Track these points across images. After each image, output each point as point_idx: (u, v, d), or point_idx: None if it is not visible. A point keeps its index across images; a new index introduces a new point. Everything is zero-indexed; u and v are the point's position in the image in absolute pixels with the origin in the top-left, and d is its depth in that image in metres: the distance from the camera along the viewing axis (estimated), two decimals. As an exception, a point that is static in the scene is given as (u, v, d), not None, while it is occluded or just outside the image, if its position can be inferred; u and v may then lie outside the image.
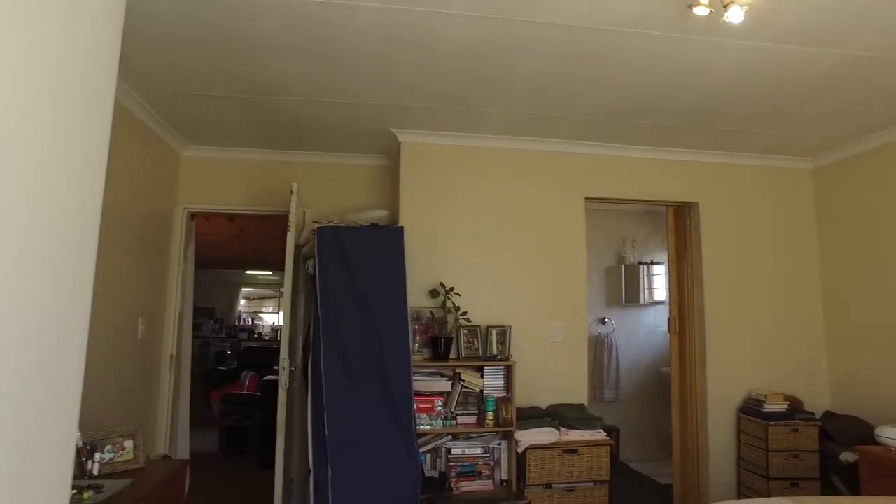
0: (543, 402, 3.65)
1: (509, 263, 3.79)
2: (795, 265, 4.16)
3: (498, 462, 3.41)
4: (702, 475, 3.93)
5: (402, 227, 3.39)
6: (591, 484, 3.30)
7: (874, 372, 3.68)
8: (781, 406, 3.67)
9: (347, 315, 3.12)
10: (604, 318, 5.66)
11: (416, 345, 3.48)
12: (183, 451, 4.05)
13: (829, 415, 3.82)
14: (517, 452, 3.29)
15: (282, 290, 3.52)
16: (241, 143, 4.06)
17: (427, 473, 3.34)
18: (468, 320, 3.53)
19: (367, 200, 4.24)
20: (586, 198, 3.96)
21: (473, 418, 3.39)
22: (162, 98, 3.24)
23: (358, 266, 3.19)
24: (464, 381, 3.41)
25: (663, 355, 5.35)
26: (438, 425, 3.31)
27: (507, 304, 3.73)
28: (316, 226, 3.32)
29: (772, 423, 3.60)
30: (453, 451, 3.37)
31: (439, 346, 3.39)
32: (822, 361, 4.09)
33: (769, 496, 3.45)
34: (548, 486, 3.25)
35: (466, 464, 3.35)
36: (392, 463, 2.97)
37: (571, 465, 3.29)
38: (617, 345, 5.60)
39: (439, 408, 3.34)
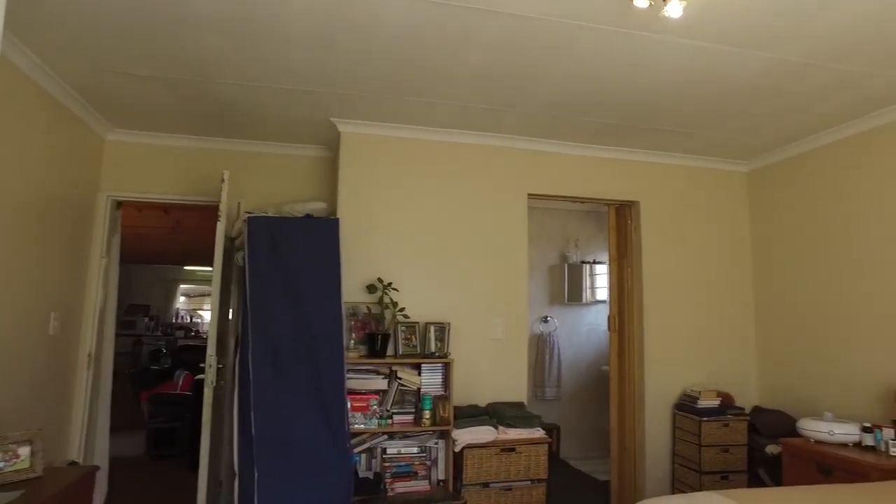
0: (482, 401, 3.60)
1: (450, 259, 3.73)
2: (730, 266, 4.27)
3: (435, 462, 3.34)
4: (638, 471, 3.98)
5: (337, 219, 3.26)
6: (529, 483, 3.27)
7: (798, 368, 3.81)
8: (714, 402, 3.76)
9: (278, 308, 2.98)
10: (546, 317, 5.68)
11: (352, 341, 3.37)
12: (101, 457, 3.79)
13: (757, 409, 3.93)
14: (454, 451, 3.23)
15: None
16: (172, 128, 3.84)
17: (361, 474, 3.23)
18: (406, 316, 3.45)
19: (307, 192, 4.09)
20: (529, 194, 3.94)
21: (410, 417, 3.31)
22: (82, 76, 3.00)
23: (290, 258, 3.05)
24: (400, 378, 3.33)
25: (604, 353, 5.41)
26: (374, 424, 3.21)
27: (446, 300, 3.66)
28: (247, 215, 3.16)
29: (705, 418, 3.68)
30: (389, 450, 3.28)
31: (376, 343, 3.29)
32: (752, 358, 4.21)
33: (701, 490, 3.52)
34: (485, 485, 3.20)
35: (402, 464, 3.27)
36: (323, 464, 2.84)
37: (509, 464, 3.25)
38: (559, 343, 5.63)
39: (375, 406, 3.23)
